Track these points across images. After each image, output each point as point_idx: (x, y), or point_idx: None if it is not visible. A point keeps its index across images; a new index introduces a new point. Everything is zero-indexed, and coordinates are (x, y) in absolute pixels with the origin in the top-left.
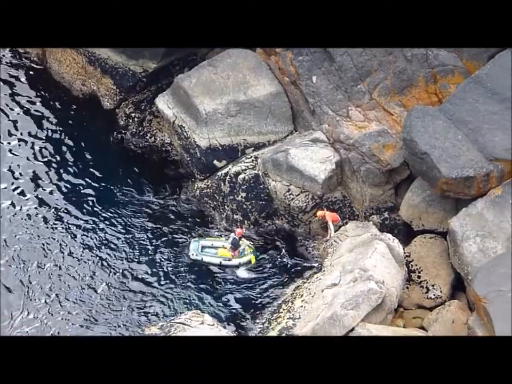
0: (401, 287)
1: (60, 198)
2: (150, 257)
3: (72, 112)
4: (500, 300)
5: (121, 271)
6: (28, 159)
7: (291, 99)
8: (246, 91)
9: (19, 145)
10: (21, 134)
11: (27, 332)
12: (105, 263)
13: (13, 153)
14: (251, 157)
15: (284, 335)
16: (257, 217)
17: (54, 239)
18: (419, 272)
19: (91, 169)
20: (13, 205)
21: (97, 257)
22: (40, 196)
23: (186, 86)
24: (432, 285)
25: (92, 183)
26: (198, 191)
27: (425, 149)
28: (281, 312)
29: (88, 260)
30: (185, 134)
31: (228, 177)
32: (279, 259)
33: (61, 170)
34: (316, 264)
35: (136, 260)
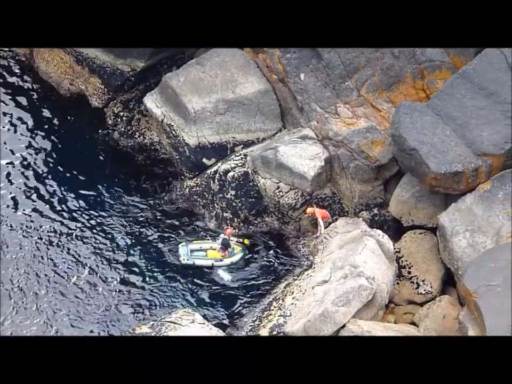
0: (392, 283)
1: (48, 198)
2: (140, 256)
3: (60, 112)
4: (490, 294)
5: (110, 271)
6: (15, 159)
7: (279, 97)
8: (234, 89)
9: (5, 143)
10: (8, 133)
11: (15, 331)
12: (94, 263)
13: None
14: (240, 154)
15: (275, 332)
16: (247, 215)
17: (41, 239)
18: (409, 268)
19: (79, 169)
20: None
21: (86, 257)
22: (27, 196)
23: (174, 84)
24: (423, 281)
25: (80, 183)
26: (187, 190)
27: (414, 145)
28: (272, 309)
29: (76, 259)
30: (173, 132)
31: (217, 175)
32: (269, 257)
33: (49, 170)
34: (306, 261)
35: (126, 259)
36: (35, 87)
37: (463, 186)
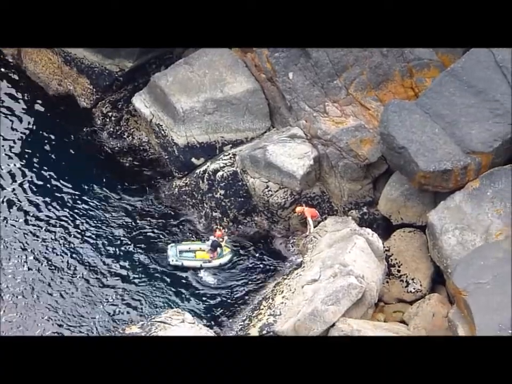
0: (381, 282)
1: (35, 199)
2: (129, 256)
3: (48, 113)
4: (479, 292)
5: (99, 271)
6: (2, 159)
7: (268, 96)
8: (222, 88)
9: None
10: None
11: (3, 332)
12: (82, 263)
13: None
14: (229, 154)
15: (264, 331)
16: (236, 214)
17: (26, 239)
18: (399, 266)
19: (67, 170)
20: None
21: (75, 258)
22: (13, 196)
23: (163, 84)
24: (412, 279)
25: (68, 183)
26: (176, 189)
27: (403, 143)
28: (262, 308)
29: (63, 260)
30: (162, 132)
31: (206, 174)
32: (258, 256)
33: (38, 171)
34: (295, 260)
35: (115, 259)
36: (23, 88)
37: (452, 184)
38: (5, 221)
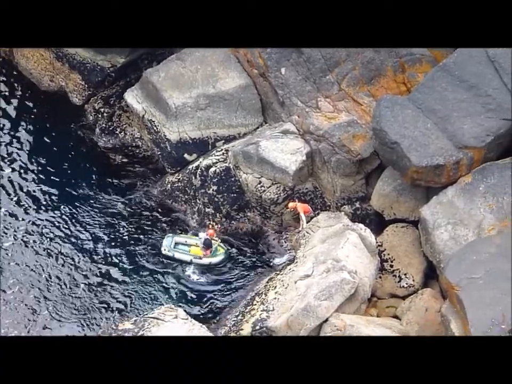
0: (374, 277)
1: (28, 195)
2: (121, 252)
3: (40, 108)
4: (472, 287)
5: (91, 267)
6: None
7: (260, 91)
8: (215, 84)
9: None
10: None
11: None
12: (75, 260)
13: None
14: (222, 149)
15: (257, 327)
16: (229, 210)
17: (16, 234)
18: (391, 262)
19: (60, 165)
20: None
21: (68, 254)
22: (5, 192)
23: (155, 80)
24: (405, 274)
25: (60, 179)
26: (169, 185)
27: (395, 139)
28: (255, 304)
29: (55, 256)
30: (155, 128)
31: (199, 170)
32: (251, 251)
33: (30, 167)
34: (288, 256)
35: (108, 256)
36: (15, 84)
37: (444, 179)
38: None
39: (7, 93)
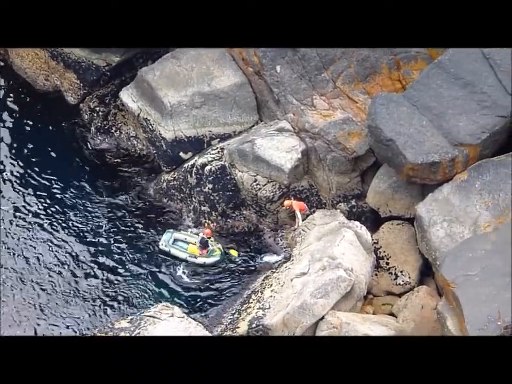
0: (370, 274)
1: (24, 195)
2: (116, 251)
3: (35, 108)
4: (468, 284)
5: (85, 266)
6: None
7: (255, 89)
8: (210, 82)
9: None
10: None
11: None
12: (71, 258)
13: None
14: (217, 148)
15: (254, 325)
16: (225, 208)
17: (10, 233)
18: (387, 259)
19: (55, 164)
20: None
21: (63, 253)
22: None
23: (150, 78)
24: (401, 271)
25: (56, 178)
26: (164, 184)
27: (390, 136)
28: (251, 302)
29: (50, 255)
30: (150, 126)
31: (194, 169)
32: (247, 250)
33: (25, 165)
34: (284, 254)
35: (102, 254)
36: (10, 83)
37: (440, 177)
38: None
39: (1, 92)
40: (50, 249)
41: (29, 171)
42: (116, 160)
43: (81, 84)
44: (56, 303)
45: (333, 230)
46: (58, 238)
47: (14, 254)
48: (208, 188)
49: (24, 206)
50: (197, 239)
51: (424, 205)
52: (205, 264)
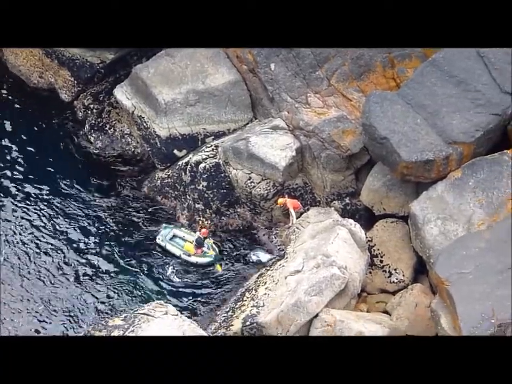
0: (364, 272)
1: (17, 192)
2: (110, 248)
3: (29, 105)
4: (461, 282)
5: (79, 264)
6: None
7: (250, 87)
8: (204, 80)
9: None
10: None
11: None
12: (62, 256)
13: None
14: (211, 145)
15: (248, 323)
16: (219, 206)
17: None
18: (381, 257)
19: (49, 162)
20: None
21: (55, 250)
22: None
23: (144, 76)
24: (395, 269)
25: (49, 176)
26: (158, 181)
27: (385, 134)
28: (245, 300)
29: (44, 252)
30: (144, 124)
31: (189, 166)
32: (241, 247)
33: (19, 164)
34: (278, 252)
35: (97, 253)
36: (3, 80)
37: (434, 175)
38: None
39: None
40: (40, 247)
41: (21, 169)
42: (109, 158)
43: (75, 81)
44: (49, 300)
45: (327, 227)
46: (49, 236)
47: (6, 250)
48: (203, 186)
49: (17, 202)
50: (194, 237)
51: (418, 203)
52: (197, 263)
